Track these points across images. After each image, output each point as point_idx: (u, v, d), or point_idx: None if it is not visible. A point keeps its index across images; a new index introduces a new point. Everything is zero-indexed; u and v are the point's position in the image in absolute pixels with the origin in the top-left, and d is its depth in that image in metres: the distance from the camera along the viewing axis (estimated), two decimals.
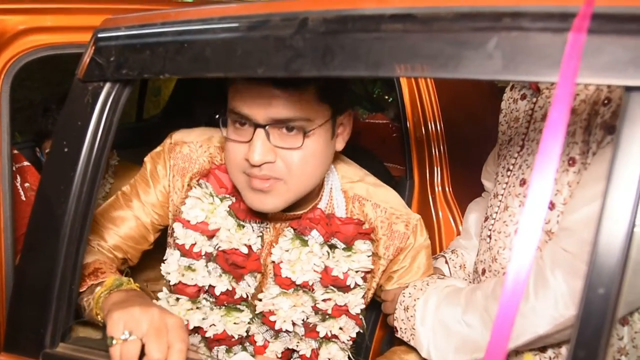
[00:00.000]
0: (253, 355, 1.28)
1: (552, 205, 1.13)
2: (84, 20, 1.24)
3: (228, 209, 1.22)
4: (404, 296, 1.29)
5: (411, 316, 1.27)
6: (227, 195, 1.23)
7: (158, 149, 1.31)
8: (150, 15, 0.97)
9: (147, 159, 1.33)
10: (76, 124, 0.97)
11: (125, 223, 1.30)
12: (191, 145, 1.28)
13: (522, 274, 0.59)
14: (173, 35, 0.89)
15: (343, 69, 0.75)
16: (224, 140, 1.14)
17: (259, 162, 1.04)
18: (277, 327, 1.23)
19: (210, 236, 1.22)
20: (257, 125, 1.04)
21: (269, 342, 1.28)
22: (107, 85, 0.95)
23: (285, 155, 1.06)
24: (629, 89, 0.64)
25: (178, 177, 1.27)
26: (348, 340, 1.28)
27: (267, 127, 1.04)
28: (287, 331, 1.26)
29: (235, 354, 1.27)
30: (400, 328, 1.29)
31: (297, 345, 1.28)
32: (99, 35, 0.97)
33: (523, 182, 1.25)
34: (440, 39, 0.71)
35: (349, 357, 1.30)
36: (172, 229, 1.26)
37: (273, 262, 1.24)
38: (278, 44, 0.79)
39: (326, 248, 1.22)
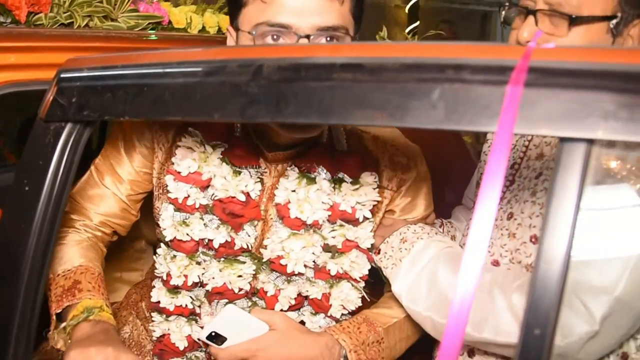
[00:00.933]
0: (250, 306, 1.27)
1: (535, 239, 1.17)
2: (49, 58, 1.26)
3: (221, 156, 1.20)
4: (407, 229, 1.29)
5: (405, 249, 1.26)
6: (219, 142, 1.21)
7: None
8: (111, 57, 0.99)
9: (116, 127, 1.31)
10: (37, 163, 0.98)
11: (104, 201, 1.28)
12: None
13: (467, 301, 0.62)
14: (133, 79, 0.91)
15: (296, 116, 0.77)
16: None
17: None
18: (289, 270, 1.21)
19: (205, 187, 1.20)
20: (300, 36, 1.03)
21: (280, 289, 1.25)
22: (69, 126, 0.97)
23: None
24: (562, 140, 0.68)
25: (161, 133, 1.25)
26: (360, 279, 1.26)
27: (311, 37, 1.03)
28: (299, 274, 1.24)
29: (242, 308, 1.25)
30: (385, 253, 1.28)
31: (307, 291, 1.26)
32: (62, 76, 0.99)
33: (510, 216, 1.29)
34: (388, 89, 0.74)
35: (363, 298, 1.29)
36: (160, 189, 1.25)
37: (277, 204, 1.21)
38: (234, 90, 0.82)
39: (333, 183, 1.21)
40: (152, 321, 1.29)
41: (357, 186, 1.22)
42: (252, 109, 0.80)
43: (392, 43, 0.80)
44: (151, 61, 0.92)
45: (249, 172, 1.21)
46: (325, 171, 1.21)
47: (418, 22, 7.83)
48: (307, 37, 1.04)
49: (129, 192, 1.28)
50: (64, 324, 1.09)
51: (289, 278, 1.25)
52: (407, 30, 7.12)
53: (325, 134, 1.26)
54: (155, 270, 1.26)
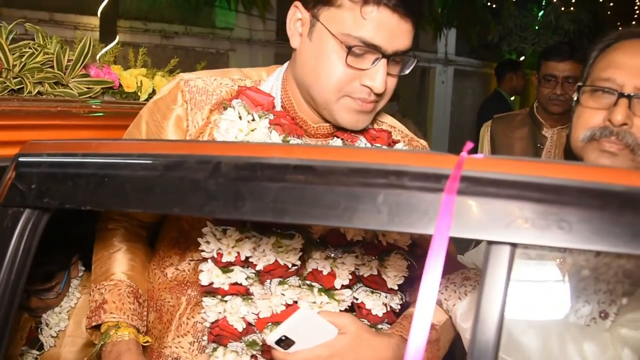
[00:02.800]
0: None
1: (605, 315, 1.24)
2: (8, 135, 1.28)
3: (269, 125, 1.23)
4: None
5: (470, 286, 1.35)
6: (264, 112, 1.24)
7: (161, 93, 1.32)
8: (71, 144, 1.03)
9: (143, 111, 1.34)
10: None
11: None
12: (205, 79, 1.30)
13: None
14: (94, 168, 0.95)
15: (252, 214, 0.84)
16: (243, 74, 1.31)
17: (381, 91, 1.19)
18: (348, 238, 1.23)
19: None
20: (385, 56, 1.17)
21: (337, 264, 1.26)
22: (27, 211, 1.00)
23: (389, 81, 1.21)
24: (489, 243, 0.76)
25: (196, 110, 1.28)
26: (407, 246, 1.29)
27: (390, 58, 1.18)
28: (356, 242, 1.25)
29: (290, 285, 1.24)
30: (447, 287, 1.35)
31: (358, 270, 1.27)
32: (20, 160, 1.02)
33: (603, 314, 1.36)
34: (337, 191, 0.82)
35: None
36: None
37: None
38: (193, 185, 0.87)
39: None
40: (203, 307, 1.28)
41: None
42: (210, 205, 0.86)
43: (341, 147, 0.88)
44: (112, 151, 0.97)
45: (299, 141, 1.28)
46: (365, 141, 1.29)
47: None
48: (387, 57, 1.18)
49: None
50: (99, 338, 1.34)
51: (346, 248, 1.26)
52: None
53: None
54: (203, 253, 1.24)
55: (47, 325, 1.95)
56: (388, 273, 1.29)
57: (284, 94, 1.31)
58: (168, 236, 1.40)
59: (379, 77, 1.17)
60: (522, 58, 9.35)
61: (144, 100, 2.16)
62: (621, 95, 1.22)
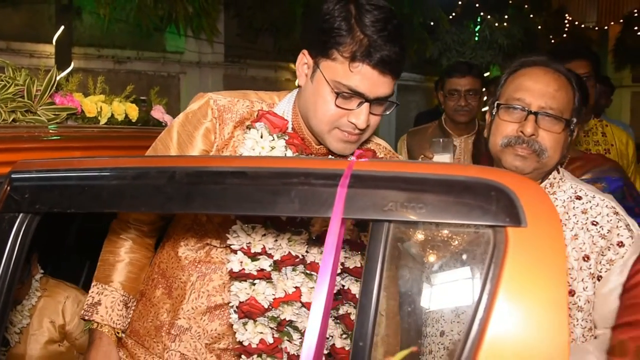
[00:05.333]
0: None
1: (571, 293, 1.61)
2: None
3: (285, 144, 1.51)
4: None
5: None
6: (282, 133, 1.52)
7: (191, 108, 1.58)
8: (55, 162, 1.30)
9: (175, 122, 1.60)
10: None
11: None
12: (229, 99, 1.58)
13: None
14: (76, 180, 1.23)
15: (200, 209, 1.13)
16: (258, 97, 1.59)
17: (363, 127, 1.47)
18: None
19: None
20: (367, 100, 1.45)
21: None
22: (22, 216, 1.26)
23: (372, 119, 1.50)
24: (372, 221, 1.07)
25: (224, 126, 1.55)
26: None
27: (372, 102, 1.46)
28: (345, 240, 1.52)
29: (299, 272, 1.52)
30: None
31: (345, 262, 1.56)
32: (14, 176, 1.29)
33: None
34: (263, 189, 1.11)
35: None
36: None
37: None
38: (155, 190, 1.16)
39: None
40: (231, 290, 1.55)
41: None
42: (168, 204, 1.15)
43: (266, 157, 1.17)
44: (90, 166, 1.25)
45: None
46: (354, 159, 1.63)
47: None
48: (370, 102, 1.46)
49: None
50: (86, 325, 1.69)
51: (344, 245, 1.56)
52: None
53: None
54: (232, 245, 1.50)
55: (11, 323, 2.18)
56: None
57: (294, 118, 1.61)
58: (181, 223, 1.67)
59: (362, 117, 1.46)
60: None
61: (104, 124, 2.42)
62: (529, 112, 1.61)
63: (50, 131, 2.02)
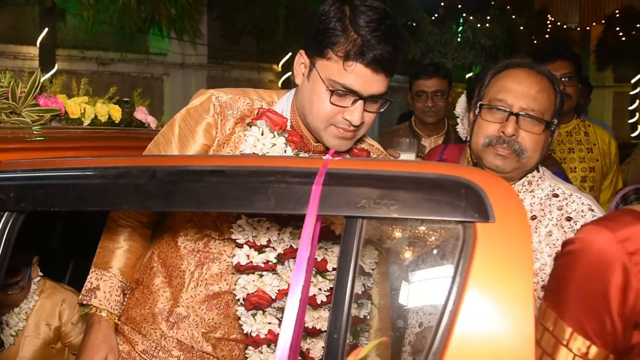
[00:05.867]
0: None
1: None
2: None
3: (285, 141, 1.57)
4: None
5: None
6: (282, 131, 1.59)
7: (193, 104, 1.63)
8: (40, 161, 1.34)
9: (177, 117, 1.64)
10: None
11: None
12: (229, 95, 1.63)
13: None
14: (61, 179, 1.26)
15: (181, 207, 1.17)
16: (258, 95, 1.65)
17: (357, 124, 1.52)
18: (337, 233, 1.58)
19: None
20: (361, 98, 1.50)
21: (326, 256, 1.62)
22: (7, 214, 1.29)
23: (366, 116, 1.55)
24: (346, 217, 1.12)
25: (225, 121, 1.60)
26: None
27: (366, 99, 1.51)
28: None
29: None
30: None
31: None
32: None
33: None
34: (241, 187, 1.15)
35: None
36: None
37: None
38: (137, 188, 1.20)
39: None
40: (238, 284, 1.60)
41: None
42: (149, 201, 1.19)
43: (243, 156, 1.22)
44: (74, 166, 1.28)
45: (305, 155, 1.62)
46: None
47: None
48: (364, 99, 1.51)
49: None
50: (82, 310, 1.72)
51: (334, 241, 1.60)
52: None
53: None
54: (238, 240, 1.56)
55: (7, 325, 2.20)
56: (364, 260, 1.65)
57: (293, 117, 1.66)
58: (180, 214, 1.72)
59: (356, 114, 1.51)
60: None
61: (88, 125, 2.45)
62: (511, 113, 1.65)
63: (35, 132, 2.05)
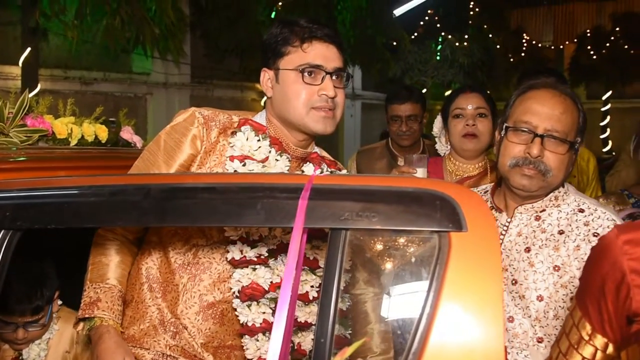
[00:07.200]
0: None
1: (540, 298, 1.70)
2: None
3: (269, 144, 1.72)
4: None
5: None
6: (264, 134, 1.74)
7: (177, 121, 1.74)
8: (35, 181, 1.39)
9: (162, 133, 1.74)
10: None
11: None
12: (210, 111, 1.77)
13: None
14: (57, 198, 1.32)
15: (174, 222, 1.23)
16: (235, 113, 1.79)
17: (332, 94, 1.68)
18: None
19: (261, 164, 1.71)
20: (327, 72, 1.69)
21: (316, 255, 1.74)
22: (3, 232, 1.34)
23: (338, 93, 1.71)
24: (330, 229, 1.19)
25: (209, 131, 1.71)
26: None
27: (332, 74, 1.70)
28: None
29: None
30: None
31: None
32: None
33: (514, 282, 1.75)
34: (231, 202, 1.22)
35: None
36: None
37: None
38: (132, 205, 1.26)
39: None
40: (233, 277, 1.70)
41: None
42: (144, 218, 1.25)
43: (232, 174, 1.28)
44: (69, 185, 1.34)
45: (286, 157, 1.75)
46: (326, 166, 1.82)
47: None
48: (330, 74, 1.70)
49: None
50: (85, 325, 1.73)
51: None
52: None
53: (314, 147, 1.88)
54: (231, 237, 1.65)
55: (28, 357, 2.19)
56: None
57: (270, 126, 1.79)
58: (165, 229, 1.78)
59: (329, 86, 1.69)
60: (424, 90, 10.16)
61: (75, 146, 2.49)
62: (536, 135, 1.71)
63: (23, 153, 2.10)
